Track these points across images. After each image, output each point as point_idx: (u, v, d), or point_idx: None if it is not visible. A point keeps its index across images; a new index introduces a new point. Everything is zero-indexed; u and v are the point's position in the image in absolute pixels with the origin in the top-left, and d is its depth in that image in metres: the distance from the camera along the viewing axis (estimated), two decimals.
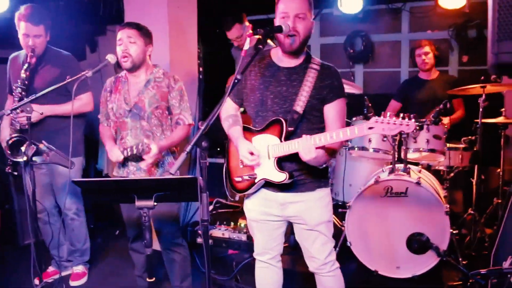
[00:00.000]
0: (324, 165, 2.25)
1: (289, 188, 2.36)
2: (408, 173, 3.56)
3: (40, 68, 3.40)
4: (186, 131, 2.98)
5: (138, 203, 2.17)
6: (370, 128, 2.00)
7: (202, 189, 1.97)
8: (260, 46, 2.14)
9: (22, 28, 3.25)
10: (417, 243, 3.38)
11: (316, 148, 2.10)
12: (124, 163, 2.96)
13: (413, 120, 1.96)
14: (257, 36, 2.13)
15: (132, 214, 2.98)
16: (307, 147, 2.09)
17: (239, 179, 2.42)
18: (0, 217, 4.77)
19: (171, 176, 2.01)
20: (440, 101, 3.73)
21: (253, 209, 2.52)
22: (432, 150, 3.71)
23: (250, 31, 4.02)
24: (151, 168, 2.93)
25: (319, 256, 2.45)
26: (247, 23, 4.32)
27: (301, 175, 2.35)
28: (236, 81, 2.02)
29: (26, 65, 3.24)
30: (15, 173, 3.17)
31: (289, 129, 2.24)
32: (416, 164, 3.97)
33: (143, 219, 2.22)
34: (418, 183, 3.36)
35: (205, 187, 1.96)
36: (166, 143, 2.89)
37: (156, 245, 3.20)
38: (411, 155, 3.84)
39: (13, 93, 3.23)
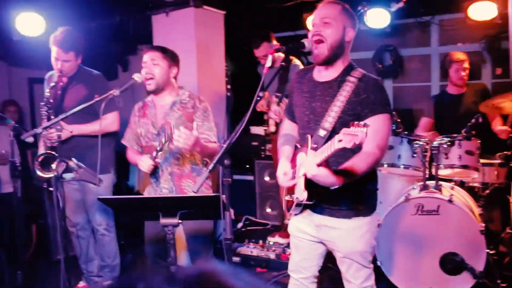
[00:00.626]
0: (335, 187, 2.04)
1: (325, 211, 2.29)
2: (440, 190, 3.46)
3: (70, 87, 3.50)
4: (215, 147, 2.95)
5: (163, 220, 2.19)
6: (339, 141, 1.78)
7: (225, 207, 1.96)
8: (284, 64, 2.14)
9: (53, 52, 3.39)
10: (451, 264, 3.25)
11: (318, 166, 1.94)
12: (157, 181, 2.98)
13: (364, 129, 1.71)
14: (278, 54, 2.13)
15: (157, 232, 2.99)
16: (308, 163, 1.97)
17: (288, 197, 2.39)
18: (35, 232, 4.91)
19: (194, 194, 2.01)
20: (474, 115, 3.62)
21: (293, 224, 2.49)
22: (465, 166, 3.59)
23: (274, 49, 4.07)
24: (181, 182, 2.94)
25: (355, 281, 2.38)
26: (274, 42, 4.35)
27: (336, 199, 2.25)
28: (258, 98, 2.02)
29: (52, 84, 3.35)
30: (50, 189, 3.25)
31: (313, 146, 2.13)
32: (449, 181, 3.85)
33: (168, 236, 2.23)
34: (450, 201, 3.25)
35: (228, 205, 1.95)
36: (202, 142, 2.78)
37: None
38: (443, 172, 3.72)
39: (41, 112, 3.33)
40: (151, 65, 2.89)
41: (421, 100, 5.46)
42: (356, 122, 1.73)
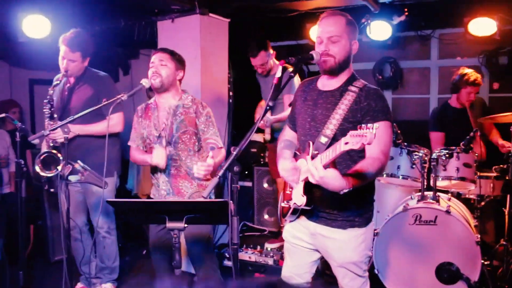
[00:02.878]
0: (345, 190, 2.02)
1: (321, 220, 2.33)
2: (438, 201, 3.53)
3: (77, 88, 3.55)
4: (224, 155, 3.02)
5: (169, 224, 2.23)
6: (346, 143, 1.82)
7: (232, 213, 2.01)
8: (292, 74, 2.19)
9: (61, 50, 3.45)
10: (447, 273, 3.31)
11: (325, 167, 1.95)
12: (157, 183, 3.03)
13: (373, 130, 1.74)
14: (288, 65, 2.18)
15: (161, 236, 3.03)
16: (313, 167, 1.97)
17: (284, 204, 2.44)
18: (33, 233, 4.92)
19: (203, 199, 2.06)
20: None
21: (287, 230, 2.53)
22: (462, 178, 3.67)
23: (284, 59, 4.13)
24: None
25: None
26: (271, 51, 4.40)
27: (333, 208, 2.29)
28: (268, 108, 2.07)
29: (55, 82, 3.38)
30: (51, 190, 3.27)
31: (315, 152, 2.17)
32: (446, 192, 3.92)
33: (173, 240, 2.27)
34: (447, 212, 3.31)
35: (235, 211, 2.00)
36: (216, 162, 2.83)
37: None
38: (441, 183, 3.80)
39: (44, 110, 3.35)
40: (158, 65, 2.97)
41: (420, 112, 5.54)
42: (363, 125, 1.78)
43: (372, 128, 1.75)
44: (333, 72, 2.29)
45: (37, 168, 3.13)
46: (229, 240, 2.03)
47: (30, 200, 4.84)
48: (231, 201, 2.01)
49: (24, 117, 6.05)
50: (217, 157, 2.90)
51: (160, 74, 2.96)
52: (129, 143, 3.20)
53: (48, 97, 3.32)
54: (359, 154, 2.21)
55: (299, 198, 2.25)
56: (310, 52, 2.26)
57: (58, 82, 3.41)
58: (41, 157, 3.14)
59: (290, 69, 4.30)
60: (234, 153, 1.97)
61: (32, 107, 6.50)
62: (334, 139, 2.18)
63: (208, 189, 1.98)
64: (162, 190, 3.00)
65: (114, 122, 3.54)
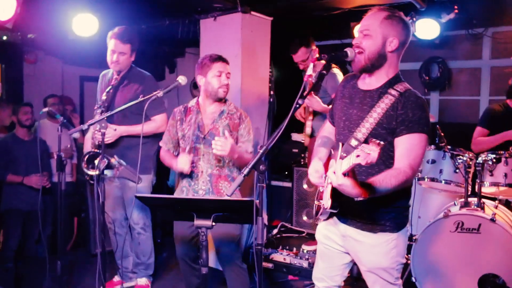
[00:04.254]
0: (359, 199, 1.94)
1: (350, 222, 2.26)
2: (482, 208, 3.34)
3: (122, 86, 3.61)
4: (250, 158, 2.99)
5: (197, 222, 2.22)
6: (357, 156, 1.72)
7: (258, 213, 1.97)
8: (324, 72, 2.12)
9: (111, 44, 3.52)
10: (491, 286, 3.13)
11: (344, 175, 1.85)
12: (192, 181, 3.06)
13: (377, 148, 1.66)
14: (321, 61, 2.12)
15: (186, 232, 3.05)
16: (335, 172, 1.88)
17: (317, 202, 2.38)
18: (77, 225, 5.10)
19: (229, 198, 2.04)
20: None
21: (320, 231, 2.48)
22: (510, 185, 3.46)
23: (316, 56, 4.05)
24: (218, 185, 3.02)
25: None
26: (313, 47, 4.33)
27: (362, 211, 2.21)
28: (297, 106, 2.02)
29: (109, 88, 3.46)
30: (92, 182, 3.36)
31: (343, 155, 2.05)
32: (493, 199, 3.71)
33: (201, 238, 2.27)
34: (492, 220, 3.13)
35: (261, 211, 1.96)
36: (239, 150, 2.93)
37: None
38: (487, 189, 3.60)
39: (94, 113, 3.44)
40: (226, 77, 3.04)
41: (469, 114, 5.29)
42: (373, 139, 1.70)
43: (378, 146, 1.67)
44: (366, 70, 2.20)
45: (84, 168, 3.24)
46: (253, 240, 1.99)
47: (75, 193, 5.06)
48: (257, 200, 1.98)
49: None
50: (244, 155, 2.97)
51: (228, 87, 3.05)
52: (160, 143, 3.24)
53: (100, 102, 3.43)
54: (389, 162, 2.13)
55: (326, 200, 2.18)
56: (345, 49, 2.18)
57: (111, 86, 3.47)
58: (85, 158, 3.25)
59: (335, 69, 4.29)
60: (261, 151, 1.93)
61: (82, 103, 6.75)
62: (365, 143, 2.08)
63: (233, 187, 1.95)
64: (201, 190, 3.02)
65: (158, 124, 3.59)
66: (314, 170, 2.25)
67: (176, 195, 3.14)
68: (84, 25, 4.53)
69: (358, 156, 1.71)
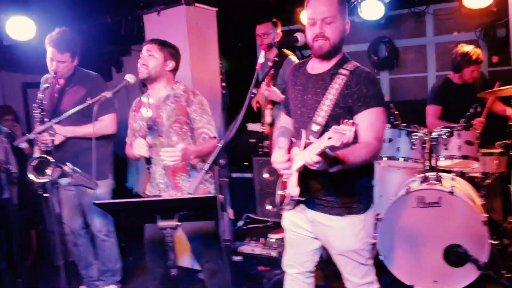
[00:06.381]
0: (333, 170, 1.91)
1: (318, 207, 2.25)
2: (441, 181, 3.41)
3: (68, 89, 3.45)
4: (213, 144, 2.86)
5: (161, 223, 2.15)
6: (329, 138, 1.73)
7: (223, 208, 1.92)
8: (276, 59, 2.09)
9: (48, 52, 3.35)
10: (455, 256, 3.22)
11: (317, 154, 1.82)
12: (153, 177, 2.97)
13: (352, 128, 1.67)
14: (273, 48, 2.08)
15: (156, 234, 2.95)
16: (306, 156, 1.89)
17: (281, 192, 2.35)
18: (36, 237, 4.87)
19: (190, 195, 1.97)
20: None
21: (287, 218, 2.46)
22: (464, 157, 3.55)
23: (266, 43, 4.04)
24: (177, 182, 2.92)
25: (353, 279, 2.34)
26: (278, 30, 4.32)
27: (329, 196, 2.21)
28: (252, 95, 1.98)
29: (45, 85, 3.30)
30: (45, 195, 3.18)
31: (307, 141, 2.08)
32: (449, 172, 3.81)
33: (167, 239, 2.19)
34: (451, 192, 3.21)
35: (226, 206, 1.91)
36: (193, 148, 2.80)
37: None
38: (443, 163, 3.67)
39: (34, 114, 3.26)
40: (146, 56, 2.90)
41: (419, 91, 5.42)
42: (345, 120, 1.69)
43: (352, 125, 1.67)
44: (328, 55, 2.19)
45: (30, 175, 3.03)
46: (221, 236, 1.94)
47: (28, 205, 4.81)
48: (220, 196, 1.92)
49: (19, 122, 5.96)
50: (204, 146, 2.84)
51: (147, 65, 2.89)
52: (126, 140, 3.14)
53: (37, 100, 3.23)
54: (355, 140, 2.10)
55: (293, 188, 2.15)
56: (295, 34, 2.15)
57: (48, 85, 3.32)
58: (33, 163, 3.05)
59: (292, 56, 4.27)
60: (219, 145, 1.88)
61: (27, 111, 6.42)
62: (327, 126, 2.08)
63: (193, 185, 1.90)
64: (160, 184, 2.92)
65: (105, 124, 3.45)
66: (277, 162, 2.21)
67: (148, 192, 3.04)
68: (19, 28, 4.26)
69: (330, 138, 1.69)
